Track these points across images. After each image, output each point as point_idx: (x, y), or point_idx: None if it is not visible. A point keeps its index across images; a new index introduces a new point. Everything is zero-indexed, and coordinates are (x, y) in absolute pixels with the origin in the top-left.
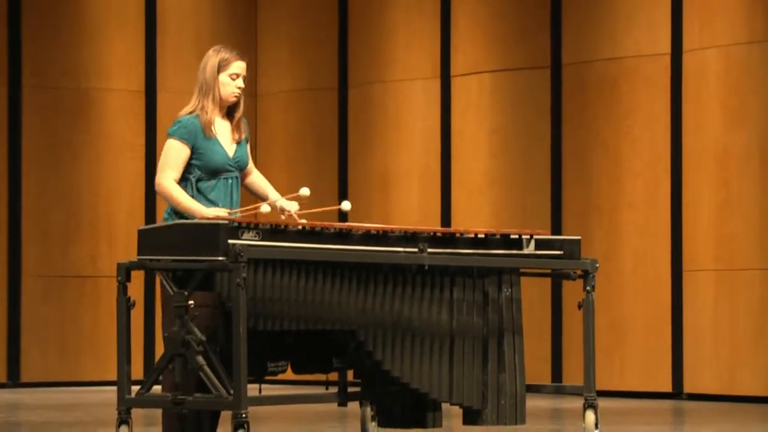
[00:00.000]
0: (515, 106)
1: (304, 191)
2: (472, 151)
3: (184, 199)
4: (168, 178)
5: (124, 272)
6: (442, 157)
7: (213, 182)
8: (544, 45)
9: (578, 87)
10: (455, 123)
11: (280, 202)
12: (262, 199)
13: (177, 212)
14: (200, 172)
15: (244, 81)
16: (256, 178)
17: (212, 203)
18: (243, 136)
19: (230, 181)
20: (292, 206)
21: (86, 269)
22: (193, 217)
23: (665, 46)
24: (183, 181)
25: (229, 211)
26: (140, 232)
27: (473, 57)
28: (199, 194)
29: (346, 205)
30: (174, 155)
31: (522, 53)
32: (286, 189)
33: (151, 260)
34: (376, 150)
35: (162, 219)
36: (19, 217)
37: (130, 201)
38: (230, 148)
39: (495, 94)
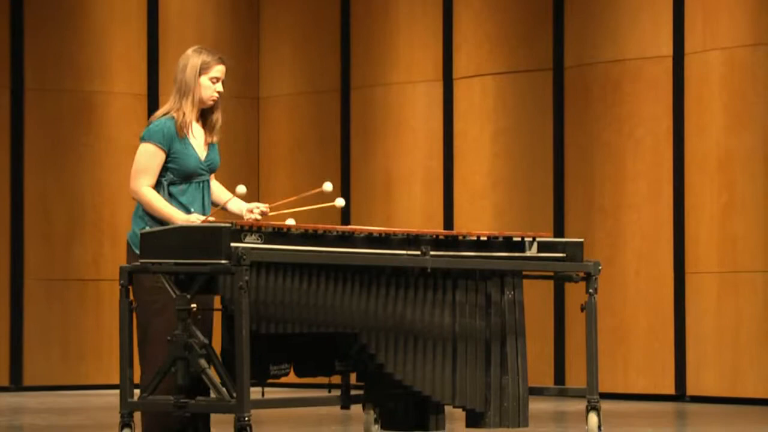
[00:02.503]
0: (518, 109)
1: (327, 186)
2: (475, 153)
3: (162, 206)
4: (143, 184)
5: (127, 276)
6: (444, 160)
7: (185, 186)
8: (547, 47)
9: (581, 89)
10: (458, 125)
11: (240, 205)
12: (217, 204)
13: (150, 216)
14: (173, 176)
15: (223, 85)
16: (215, 187)
17: (184, 207)
18: (215, 139)
19: (201, 184)
20: (260, 205)
21: (89, 272)
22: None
23: (668, 48)
24: (156, 185)
25: (205, 218)
26: (142, 236)
27: (476, 59)
28: (171, 198)
29: (328, 186)
30: (149, 160)
31: (524, 55)
32: (289, 191)
33: (153, 263)
34: (378, 152)
35: (132, 223)
36: (21, 220)
37: (132, 204)
38: (202, 151)
39: (497, 96)
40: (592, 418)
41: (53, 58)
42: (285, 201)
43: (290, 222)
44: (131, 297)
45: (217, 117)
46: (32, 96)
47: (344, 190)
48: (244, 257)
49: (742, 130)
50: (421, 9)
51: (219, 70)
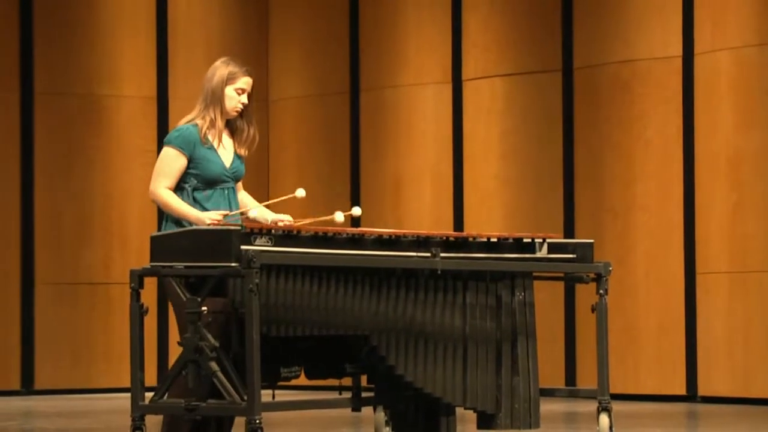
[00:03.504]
0: (527, 110)
1: (300, 192)
2: (484, 154)
3: (179, 205)
4: (161, 186)
5: (137, 279)
6: (454, 161)
7: (209, 192)
8: (556, 48)
9: (590, 90)
10: (467, 127)
11: (270, 216)
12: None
13: (176, 221)
14: (196, 182)
15: (249, 98)
16: (242, 197)
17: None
18: (243, 152)
19: (227, 191)
20: (285, 217)
21: (99, 276)
22: (191, 224)
23: (677, 48)
24: (179, 190)
25: (226, 213)
26: (153, 239)
27: (484, 61)
28: (195, 203)
29: (339, 217)
30: (169, 163)
31: (533, 57)
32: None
33: (163, 267)
34: (387, 154)
35: (163, 227)
36: (31, 224)
37: (142, 207)
38: (228, 159)
39: (507, 97)
40: (604, 419)
41: (63, 61)
42: (310, 220)
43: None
44: (141, 300)
45: (251, 133)
46: (42, 100)
47: (354, 193)
48: (254, 260)
49: (751, 129)
50: (429, 10)
51: (245, 82)
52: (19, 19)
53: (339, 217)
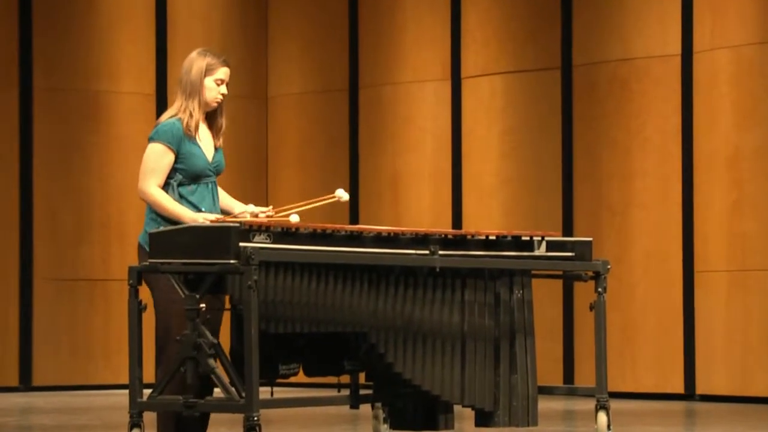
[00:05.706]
0: (526, 107)
1: (341, 194)
2: (483, 152)
3: (170, 204)
4: (152, 184)
5: (136, 276)
6: (452, 159)
7: (194, 187)
8: (555, 46)
9: (589, 88)
10: (466, 124)
11: (244, 209)
12: (226, 212)
13: (163, 217)
14: (182, 177)
15: (227, 87)
16: (219, 192)
17: (194, 206)
18: (220, 144)
19: (210, 185)
20: (264, 210)
21: (97, 272)
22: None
23: (676, 46)
24: (164, 185)
25: (217, 218)
26: (151, 236)
27: (484, 58)
28: (181, 198)
29: (343, 194)
30: (157, 160)
31: (532, 54)
32: (297, 191)
33: (162, 263)
34: (386, 151)
35: (144, 224)
36: (30, 220)
37: (140, 204)
38: (210, 153)
39: (506, 95)
40: (601, 417)
41: (62, 57)
42: (294, 205)
43: (295, 218)
44: (140, 297)
45: (222, 121)
46: (41, 95)
47: (352, 189)
48: (253, 257)
49: (750, 127)
50: (428, 8)
51: (224, 72)
52: (18, 14)
53: (342, 194)
